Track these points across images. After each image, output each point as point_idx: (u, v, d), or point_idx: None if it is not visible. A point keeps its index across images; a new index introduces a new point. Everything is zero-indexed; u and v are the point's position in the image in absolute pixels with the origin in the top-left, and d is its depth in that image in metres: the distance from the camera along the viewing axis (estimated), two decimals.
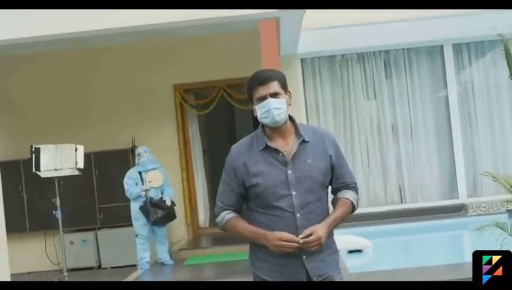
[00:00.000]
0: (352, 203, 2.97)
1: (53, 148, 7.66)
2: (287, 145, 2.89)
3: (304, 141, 2.90)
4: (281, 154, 2.87)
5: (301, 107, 9.66)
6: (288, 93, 2.94)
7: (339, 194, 3.01)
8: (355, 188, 3.03)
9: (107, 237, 8.98)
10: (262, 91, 2.86)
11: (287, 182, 2.84)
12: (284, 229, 2.81)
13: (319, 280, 2.87)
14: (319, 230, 2.78)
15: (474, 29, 9.13)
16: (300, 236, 2.77)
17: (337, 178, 2.98)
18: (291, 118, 2.98)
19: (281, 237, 2.77)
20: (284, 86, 2.91)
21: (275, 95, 2.86)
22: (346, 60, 9.93)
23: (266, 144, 2.89)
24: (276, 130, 2.90)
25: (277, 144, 2.90)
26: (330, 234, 2.93)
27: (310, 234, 2.77)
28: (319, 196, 2.89)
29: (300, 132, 2.92)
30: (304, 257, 2.84)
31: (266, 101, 2.85)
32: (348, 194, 2.98)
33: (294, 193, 2.83)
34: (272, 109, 2.84)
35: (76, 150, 7.82)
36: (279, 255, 2.83)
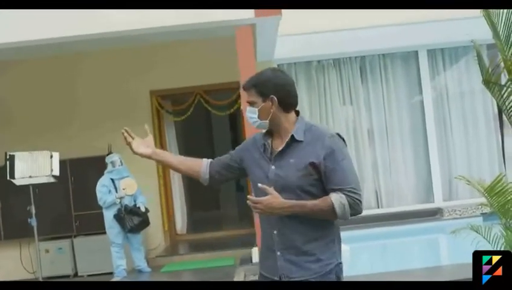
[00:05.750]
0: (332, 204, 2.76)
1: (28, 156, 7.57)
2: (281, 144, 2.93)
3: (295, 141, 2.89)
4: (270, 151, 2.96)
5: None
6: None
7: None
8: (349, 194, 2.79)
9: (83, 245, 8.91)
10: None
11: (268, 177, 2.90)
12: (266, 224, 2.94)
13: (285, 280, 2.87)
14: (273, 198, 2.79)
15: (449, 35, 9.25)
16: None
17: (326, 181, 2.82)
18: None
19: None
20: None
21: None
22: (322, 66, 9.98)
23: (263, 141, 3.02)
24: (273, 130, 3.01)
25: (275, 141, 2.98)
26: (314, 240, 2.85)
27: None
28: (294, 198, 2.81)
29: (293, 130, 2.91)
30: (278, 253, 2.87)
31: None
32: (334, 195, 2.79)
33: (272, 188, 2.84)
34: None
35: (51, 157, 7.72)
36: (264, 247, 2.97)
